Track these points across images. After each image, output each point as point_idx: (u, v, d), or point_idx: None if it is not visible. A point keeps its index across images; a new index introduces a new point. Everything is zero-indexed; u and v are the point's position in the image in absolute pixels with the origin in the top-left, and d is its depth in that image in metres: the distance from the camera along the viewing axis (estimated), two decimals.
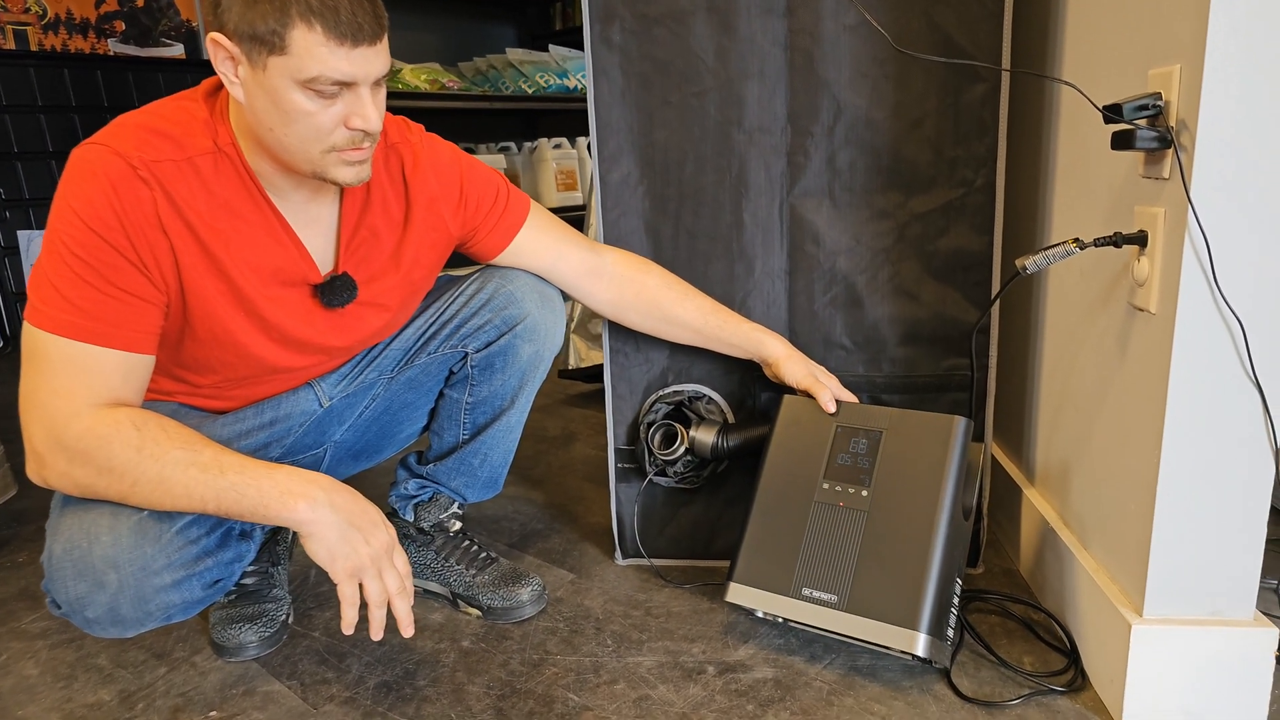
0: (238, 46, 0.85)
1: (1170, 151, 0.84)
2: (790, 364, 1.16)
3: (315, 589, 1.33)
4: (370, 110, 0.89)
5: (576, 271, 1.16)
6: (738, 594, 1.10)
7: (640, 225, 1.25)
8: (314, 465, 1.18)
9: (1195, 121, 0.80)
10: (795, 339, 1.26)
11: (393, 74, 2.72)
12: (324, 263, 1.02)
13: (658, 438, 1.29)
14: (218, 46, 0.86)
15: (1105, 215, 1.01)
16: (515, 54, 3.16)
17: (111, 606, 0.89)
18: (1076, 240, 0.93)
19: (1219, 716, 0.91)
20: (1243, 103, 0.79)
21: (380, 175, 1.04)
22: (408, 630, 0.94)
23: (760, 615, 1.14)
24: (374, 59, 0.87)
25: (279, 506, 0.87)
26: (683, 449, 1.26)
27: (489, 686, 1.07)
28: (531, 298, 1.13)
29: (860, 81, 1.17)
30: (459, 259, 1.18)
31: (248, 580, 1.21)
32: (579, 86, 3.06)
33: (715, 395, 1.30)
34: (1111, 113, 0.85)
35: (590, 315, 2.17)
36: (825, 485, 1.10)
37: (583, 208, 3.15)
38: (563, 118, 3.38)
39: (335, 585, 0.91)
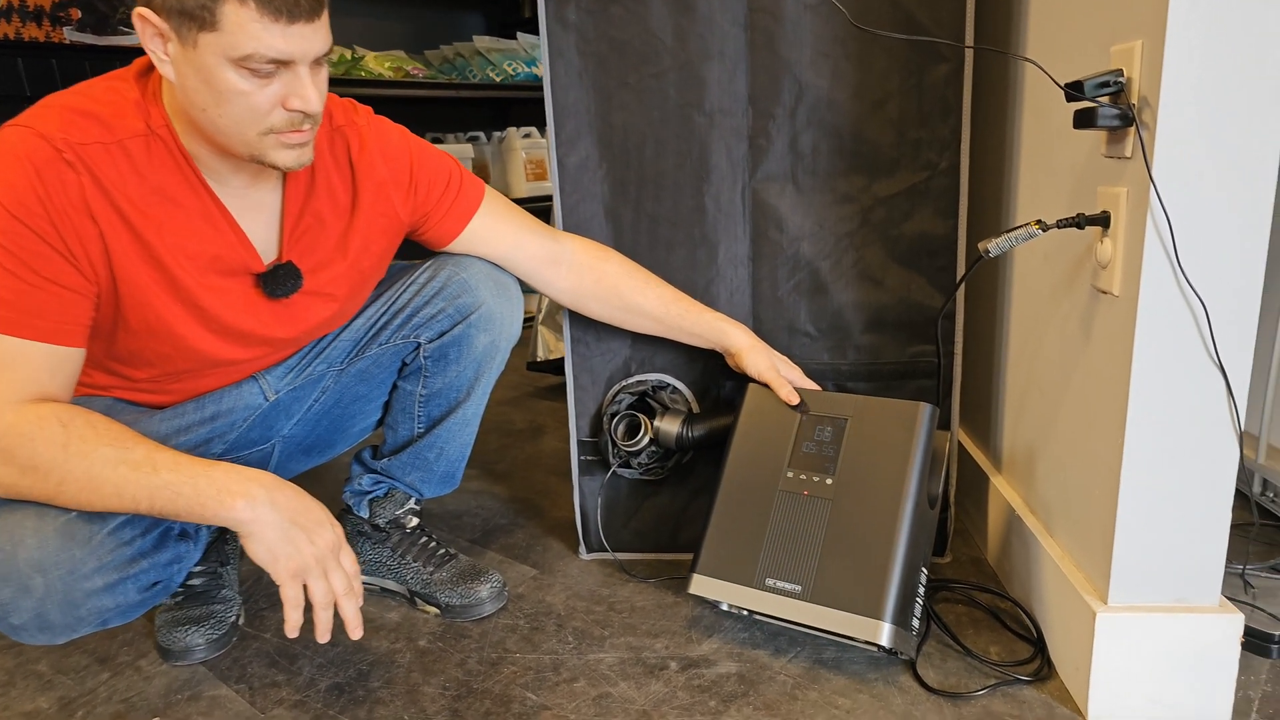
0: (166, 22, 0.81)
1: (1132, 129, 0.82)
2: (752, 355, 1.13)
3: (268, 589, 1.29)
4: (309, 90, 0.85)
5: (534, 259, 1.12)
6: (701, 586, 1.07)
7: (600, 210, 1.22)
8: (262, 461, 1.14)
9: (1157, 98, 0.79)
10: (759, 326, 1.23)
11: (355, 61, 2.65)
12: (267, 251, 0.98)
13: (621, 429, 1.26)
14: (145, 22, 0.81)
15: (1068, 197, 0.99)
16: (483, 42, 3.11)
17: (39, 612, 0.85)
18: (1039, 222, 0.91)
19: (1184, 704, 0.90)
20: (1205, 78, 0.77)
21: (325, 159, 1.00)
22: (356, 632, 0.90)
23: (725, 608, 1.12)
24: (312, 36, 0.83)
25: (216, 505, 0.83)
26: (646, 440, 1.23)
27: (445, 687, 1.04)
28: (486, 286, 1.09)
29: (821, 62, 1.14)
30: (415, 249, 1.14)
31: (195, 581, 1.17)
32: None
33: (679, 384, 1.27)
34: (1073, 90, 0.83)
35: (558, 307, 2.14)
36: (790, 474, 1.08)
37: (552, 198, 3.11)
38: (532, 107, 3.34)
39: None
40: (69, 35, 3.01)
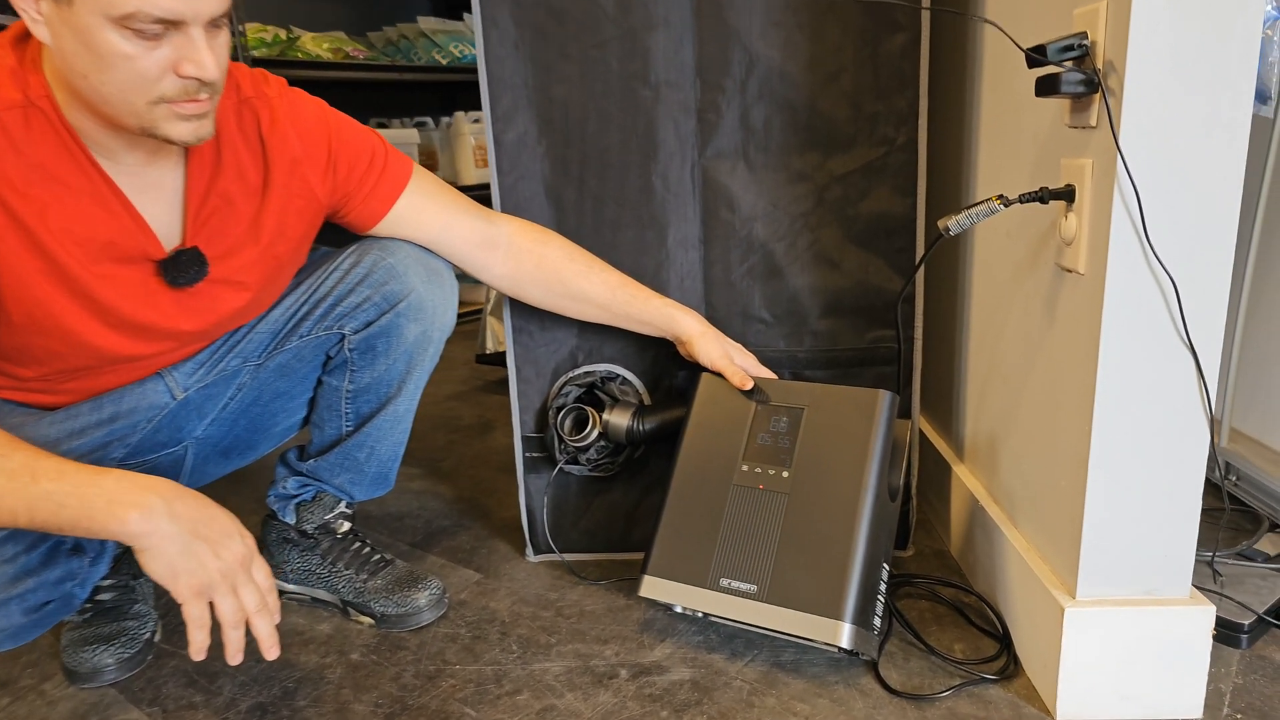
0: None
1: (1097, 96, 0.77)
2: (704, 342, 1.07)
3: None
4: (204, 55, 0.77)
5: (468, 242, 1.04)
6: (652, 588, 1.01)
7: (540, 190, 1.14)
8: (173, 465, 1.04)
9: (1123, 62, 0.74)
10: (712, 313, 1.17)
11: (291, 41, 2.53)
12: (169, 236, 0.89)
13: (568, 423, 1.19)
14: None
15: (1031, 171, 0.95)
16: (428, 23, 3.00)
17: None
18: (1000, 197, 0.86)
19: (1156, 699, 0.86)
20: (1173, 41, 0.72)
21: (232, 135, 0.91)
22: (271, 652, 0.82)
23: (679, 610, 1.06)
24: None
25: (106, 518, 0.74)
26: (595, 434, 1.17)
27: (378, 704, 0.97)
28: (416, 271, 1.01)
29: (772, 31, 1.08)
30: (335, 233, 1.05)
31: (104, 596, 1.07)
32: None
33: (629, 375, 1.21)
34: (1035, 54, 0.78)
35: None
36: (744, 467, 1.02)
37: None
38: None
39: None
40: None
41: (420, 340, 1.03)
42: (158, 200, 0.88)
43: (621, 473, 1.23)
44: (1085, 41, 0.77)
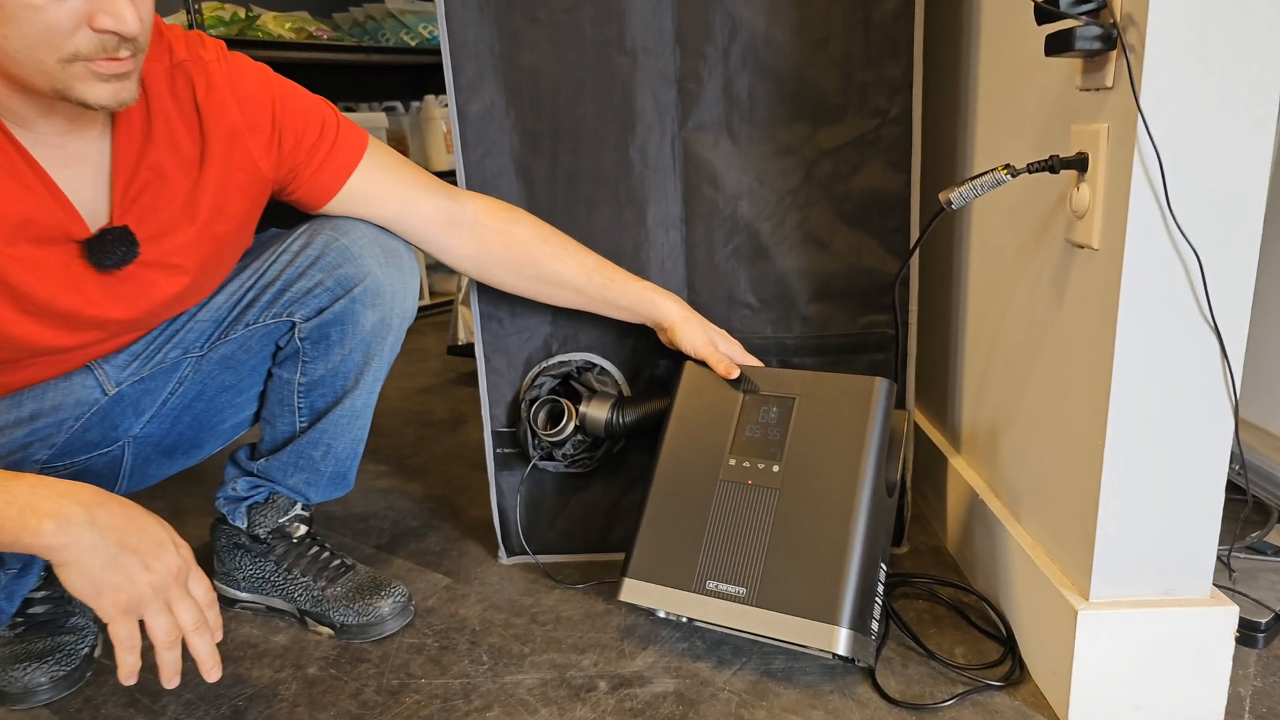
0: None
1: (1115, 54, 0.71)
2: (686, 328, 1.00)
3: None
4: (123, 6, 0.68)
5: (429, 221, 0.96)
6: (633, 592, 0.94)
7: (509, 166, 1.06)
8: (109, 467, 0.96)
9: (1145, 14, 0.67)
10: (694, 298, 1.10)
11: (250, 20, 2.42)
12: (94, 214, 0.81)
13: (541, 416, 1.12)
14: None
15: (1036, 140, 0.88)
16: (395, 2, 2.89)
17: None
18: (1007, 167, 0.79)
19: (1174, 706, 0.80)
20: None
21: (164, 102, 0.82)
22: (212, 674, 0.74)
23: (662, 615, 0.99)
24: None
25: (17, 528, 0.66)
26: (571, 428, 1.09)
27: None
28: (372, 253, 0.93)
29: None
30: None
31: (37, 609, 0.99)
32: None
33: (607, 365, 1.13)
34: (1047, 6, 0.71)
35: None
36: (732, 461, 0.95)
37: None
38: None
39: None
40: None
41: (378, 328, 0.95)
42: (81, 175, 0.79)
43: (600, 468, 1.16)
44: None
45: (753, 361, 1.03)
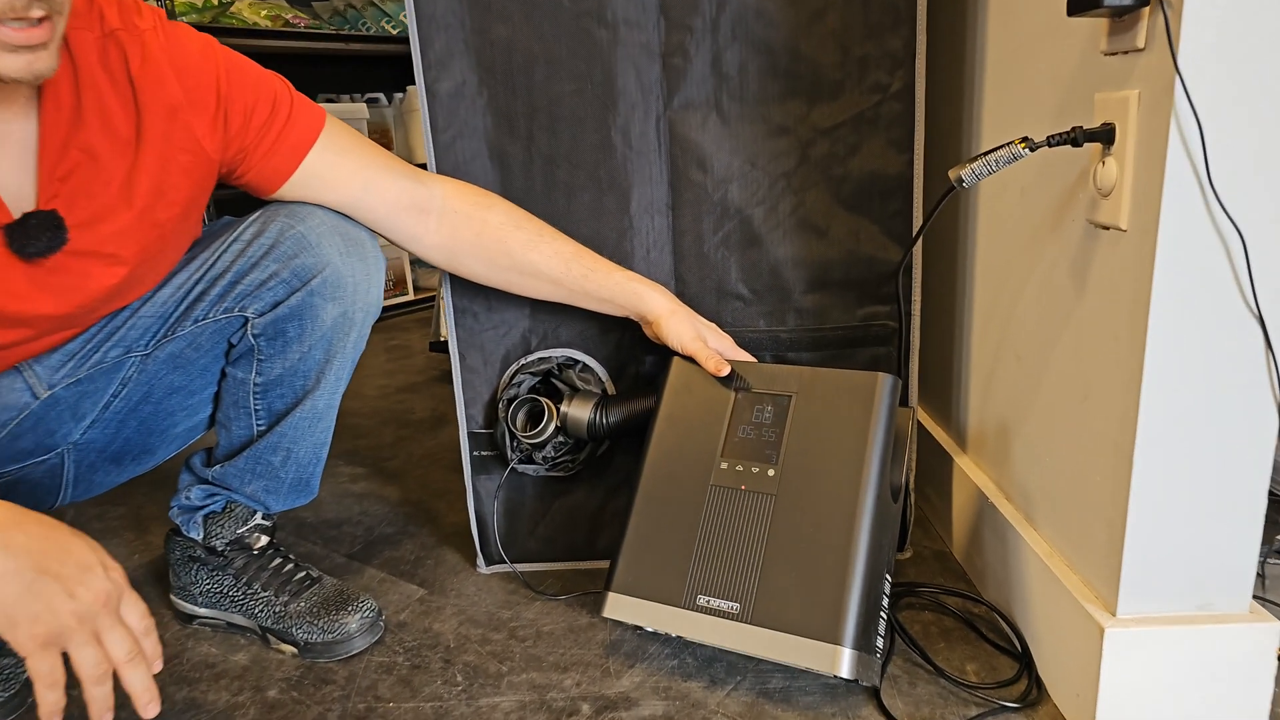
0: None
1: (1148, 10, 0.63)
2: (673, 322, 0.93)
3: None
4: None
5: (394, 206, 0.88)
6: (618, 608, 0.86)
7: (482, 148, 0.99)
8: (49, 476, 0.88)
9: None
10: (682, 289, 1.02)
11: (224, 6, 2.33)
12: (19, 199, 0.73)
13: (520, 416, 1.04)
14: None
15: (1053, 113, 0.81)
16: None
17: None
18: (1024, 140, 0.72)
19: None
20: None
21: (95, 75, 0.74)
22: (148, 709, 0.67)
23: (651, 630, 0.92)
24: None
25: None
26: (552, 428, 1.02)
27: None
28: (331, 242, 0.85)
29: None
30: None
31: None
32: None
33: (590, 361, 1.06)
34: None
35: None
36: (724, 465, 0.88)
37: None
38: None
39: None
40: None
41: (340, 323, 0.88)
42: (3, 156, 0.72)
43: (583, 471, 1.08)
44: None
45: (745, 357, 0.96)
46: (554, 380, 1.06)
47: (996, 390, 0.98)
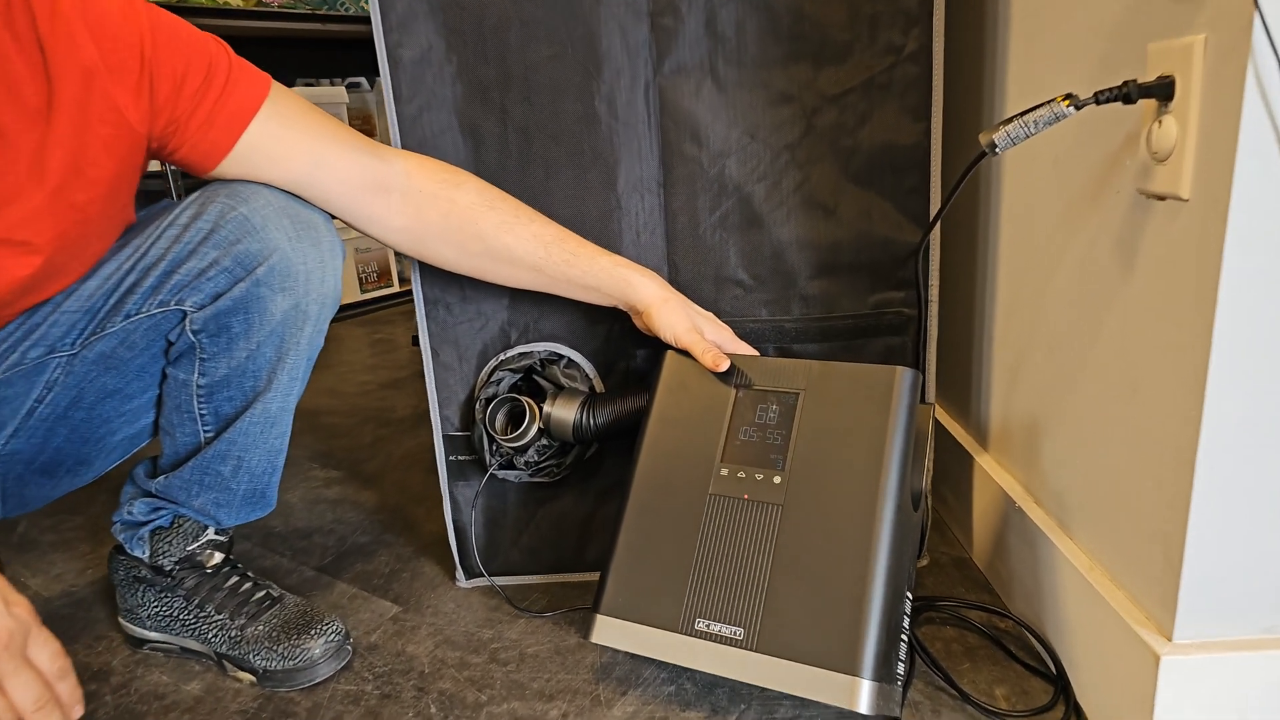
0: None
1: None
2: (665, 312, 0.83)
3: None
4: None
5: (349, 184, 0.79)
6: (606, 632, 0.77)
7: (451, 121, 0.89)
8: None
9: None
10: (676, 275, 0.93)
11: None
12: None
13: (499, 417, 0.95)
14: None
15: (1093, 69, 0.71)
16: None
17: None
18: (1068, 97, 0.62)
19: None
20: None
21: None
22: None
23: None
24: None
25: None
26: (534, 430, 0.93)
27: None
28: (279, 225, 0.75)
29: None
30: None
31: None
32: None
33: (576, 356, 0.97)
34: None
35: None
36: (724, 471, 0.78)
37: None
38: None
39: None
40: None
41: (292, 316, 0.78)
42: None
43: (570, 476, 0.99)
44: None
45: (746, 350, 0.86)
46: (536, 378, 0.96)
47: (1023, 383, 0.89)
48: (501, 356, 0.96)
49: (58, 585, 1.10)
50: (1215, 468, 0.60)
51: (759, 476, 0.77)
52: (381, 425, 1.63)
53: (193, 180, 0.75)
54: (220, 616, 0.88)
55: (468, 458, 0.99)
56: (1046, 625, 0.82)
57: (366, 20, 2.64)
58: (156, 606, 0.90)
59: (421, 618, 0.98)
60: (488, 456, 0.96)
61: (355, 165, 0.78)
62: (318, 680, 0.87)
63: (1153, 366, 0.65)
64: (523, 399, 0.93)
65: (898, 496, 0.72)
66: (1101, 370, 0.72)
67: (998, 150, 0.64)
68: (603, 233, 0.91)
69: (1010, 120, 0.64)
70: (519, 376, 0.96)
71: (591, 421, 0.91)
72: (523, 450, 0.94)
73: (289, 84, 0.75)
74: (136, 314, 0.76)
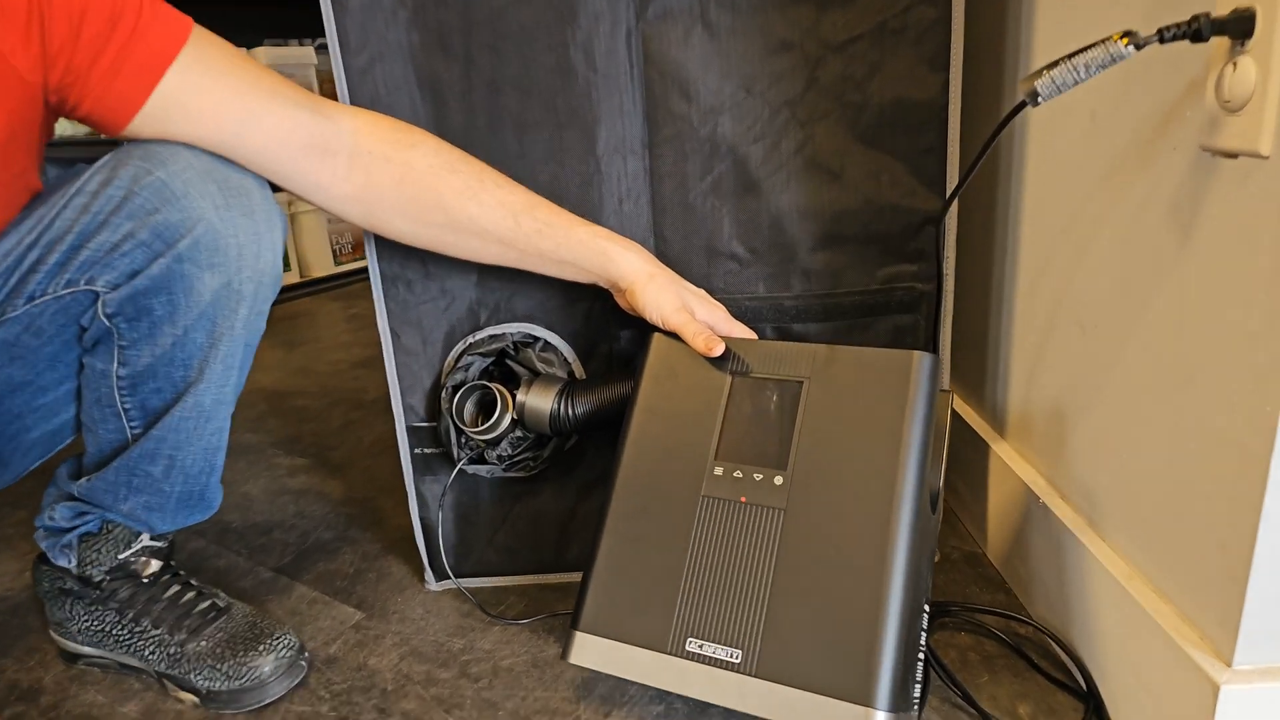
0: None
1: None
2: (651, 289, 0.74)
3: None
4: None
5: (285, 145, 0.68)
6: (586, 652, 0.69)
7: (408, 74, 0.78)
8: None
9: None
10: (663, 247, 0.83)
11: None
12: None
13: (468, 407, 0.86)
14: None
15: (1146, 8, 0.61)
16: None
17: None
18: (1127, 35, 0.53)
19: None
20: None
21: None
22: None
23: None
24: None
25: None
26: (507, 421, 0.83)
27: None
28: (204, 191, 0.65)
29: None
30: None
31: None
32: None
33: (553, 338, 0.87)
34: None
35: None
36: (718, 470, 0.70)
37: None
38: None
39: None
40: None
41: (223, 297, 0.68)
42: None
43: (549, 470, 0.90)
44: None
45: (743, 332, 0.77)
46: (509, 362, 0.87)
47: (1049, 366, 0.80)
48: (470, 339, 0.86)
49: None
50: None
51: (758, 477, 0.68)
52: (353, 408, 1.54)
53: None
54: (158, 632, 0.79)
55: (434, 451, 0.90)
56: (1074, 634, 0.75)
57: None
58: (87, 621, 0.81)
59: (387, 625, 0.90)
60: (456, 450, 0.86)
61: (292, 123, 0.67)
62: (268, 701, 0.79)
63: (1214, 352, 0.56)
64: (494, 386, 0.84)
65: (916, 499, 0.64)
66: (1147, 354, 0.64)
67: (1040, 100, 0.55)
68: (581, 200, 0.81)
69: (1055, 64, 0.54)
70: (490, 361, 0.87)
71: (570, 411, 0.82)
72: (495, 443, 0.85)
73: (254, 44, 0.65)
74: (41, 296, 0.66)
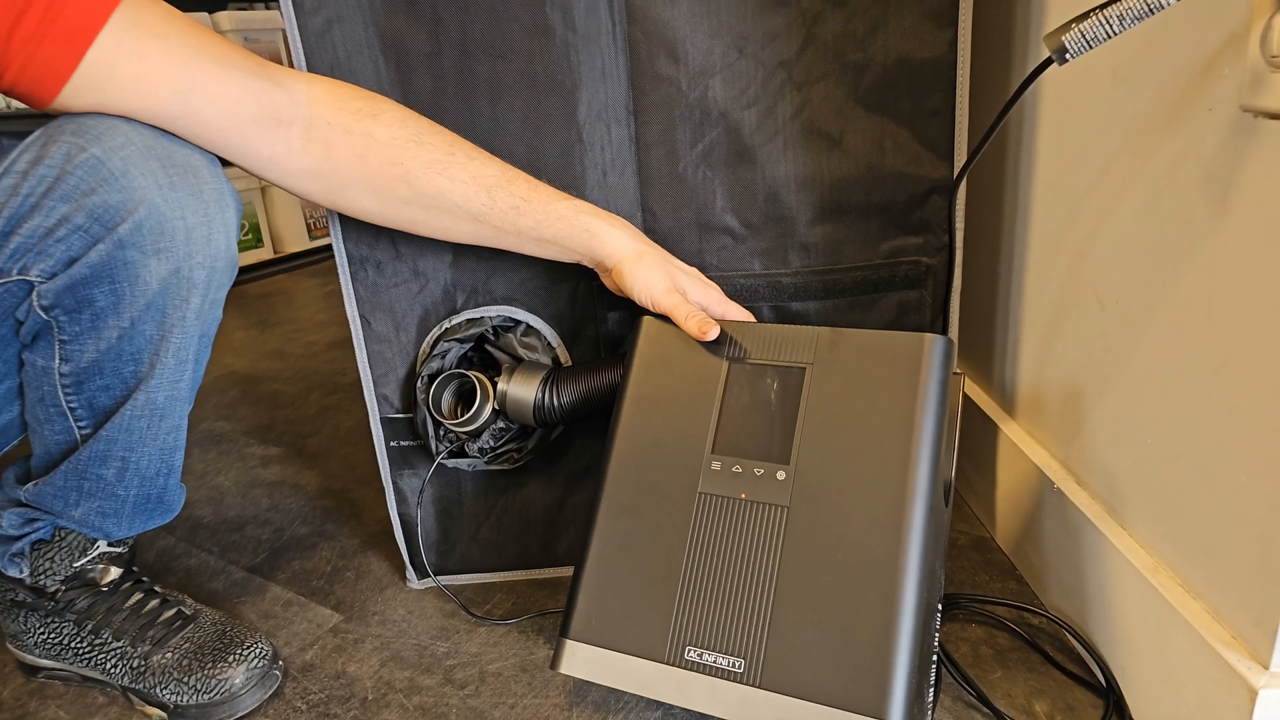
0: None
1: None
2: (640, 268, 0.68)
3: None
4: None
5: (233, 116, 0.62)
6: (577, 661, 0.64)
7: (370, 36, 0.72)
8: None
9: None
10: (652, 222, 0.78)
11: None
12: None
13: (447, 397, 0.81)
14: None
15: None
16: None
17: None
18: None
19: None
20: None
21: None
22: None
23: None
24: None
25: None
26: (488, 412, 0.78)
27: None
28: (145, 170, 0.59)
29: None
30: None
31: None
32: None
33: (535, 321, 0.82)
34: None
35: None
36: (716, 465, 0.65)
37: None
38: None
39: None
40: None
41: (173, 285, 0.62)
42: None
43: (535, 460, 0.85)
44: None
45: (739, 313, 0.72)
46: (489, 348, 0.82)
47: (1064, 343, 0.76)
48: (446, 324, 0.81)
49: None
50: None
51: (759, 471, 0.63)
52: (329, 393, 1.48)
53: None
54: (119, 644, 0.74)
55: (412, 443, 0.85)
56: (1092, 627, 0.71)
57: None
58: (44, 634, 0.76)
59: (366, 628, 0.85)
60: (434, 443, 0.81)
61: (240, 91, 0.61)
62: (240, 714, 0.74)
63: (1254, 333, 0.51)
64: (473, 375, 0.78)
65: (929, 494, 0.59)
66: (1176, 332, 0.59)
67: (1068, 57, 0.49)
68: (561, 173, 0.75)
69: (1085, 16, 0.49)
70: (468, 347, 0.82)
71: (556, 401, 0.77)
72: (476, 435, 0.80)
73: (219, 7, 0.58)
74: None
